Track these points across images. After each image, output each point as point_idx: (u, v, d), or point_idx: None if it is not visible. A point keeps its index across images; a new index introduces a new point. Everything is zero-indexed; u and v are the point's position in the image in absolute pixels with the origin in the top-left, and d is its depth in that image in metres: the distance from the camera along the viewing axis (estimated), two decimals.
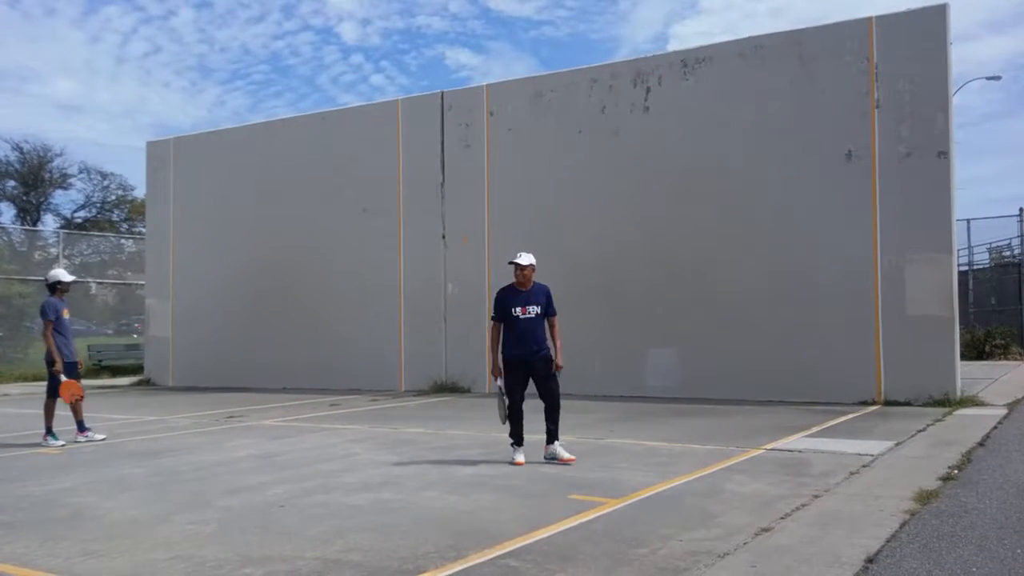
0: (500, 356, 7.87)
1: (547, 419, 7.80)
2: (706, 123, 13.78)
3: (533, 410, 7.86)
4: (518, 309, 7.76)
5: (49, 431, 9.85)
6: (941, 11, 12.08)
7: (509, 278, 8.03)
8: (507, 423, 7.86)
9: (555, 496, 6.38)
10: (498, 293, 7.99)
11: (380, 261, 16.80)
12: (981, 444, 8.36)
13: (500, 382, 7.85)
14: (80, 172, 44.68)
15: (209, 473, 7.72)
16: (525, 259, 7.86)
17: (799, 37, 13.15)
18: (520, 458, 7.63)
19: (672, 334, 13.89)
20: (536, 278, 8.00)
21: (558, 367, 7.83)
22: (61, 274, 10.30)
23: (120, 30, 74.58)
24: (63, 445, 9.65)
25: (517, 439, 7.78)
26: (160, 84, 77.84)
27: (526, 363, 7.72)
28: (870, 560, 4.56)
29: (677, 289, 13.90)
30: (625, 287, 14.31)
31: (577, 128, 14.90)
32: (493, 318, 7.98)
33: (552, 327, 7.96)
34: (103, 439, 10.04)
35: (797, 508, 5.80)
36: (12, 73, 65.84)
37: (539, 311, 7.81)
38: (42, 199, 44.16)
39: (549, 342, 7.90)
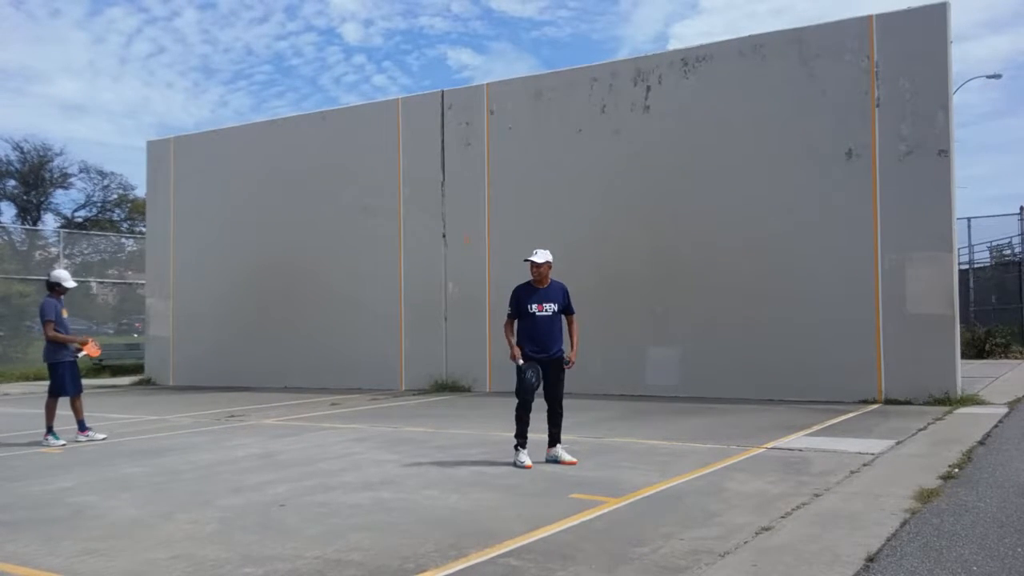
0: (515, 341, 7.76)
1: (550, 423, 7.78)
2: (706, 122, 13.78)
3: (534, 410, 7.84)
4: (534, 306, 7.68)
5: (50, 430, 9.86)
6: (941, 10, 12.07)
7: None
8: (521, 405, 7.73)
9: (556, 495, 6.38)
10: (515, 290, 7.88)
11: (380, 260, 16.80)
12: (982, 443, 8.36)
13: (520, 361, 7.63)
14: (80, 171, 44.73)
15: (209, 472, 7.72)
16: (541, 256, 7.78)
17: (799, 36, 13.14)
18: (528, 461, 7.56)
19: (672, 333, 13.89)
20: None
21: (571, 362, 7.77)
22: (63, 277, 10.30)
23: (124, 31, 74.62)
24: (64, 444, 9.65)
25: (523, 440, 7.72)
26: (163, 84, 77.86)
27: (540, 363, 7.67)
28: (871, 559, 4.56)
29: (677, 288, 13.89)
30: (625, 286, 14.31)
31: (577, 127, 14.90)
32: (508, 315, 7.87)
33: (570, 325, 7.95)
34: (104, 438, 10.04)
35: (798, 507, 5.80)
36: (16, 73, 65.89)
37: (556, 309, 7.75)
38: (42, 198, 44.15)
39: (565, 342, 7.87)
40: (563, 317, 7.90)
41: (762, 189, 13.24)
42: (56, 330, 9.95)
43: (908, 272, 12.14)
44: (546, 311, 7.71)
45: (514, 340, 7.77)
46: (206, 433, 10.61)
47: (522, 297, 7.78)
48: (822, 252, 12.75)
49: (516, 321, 7.83)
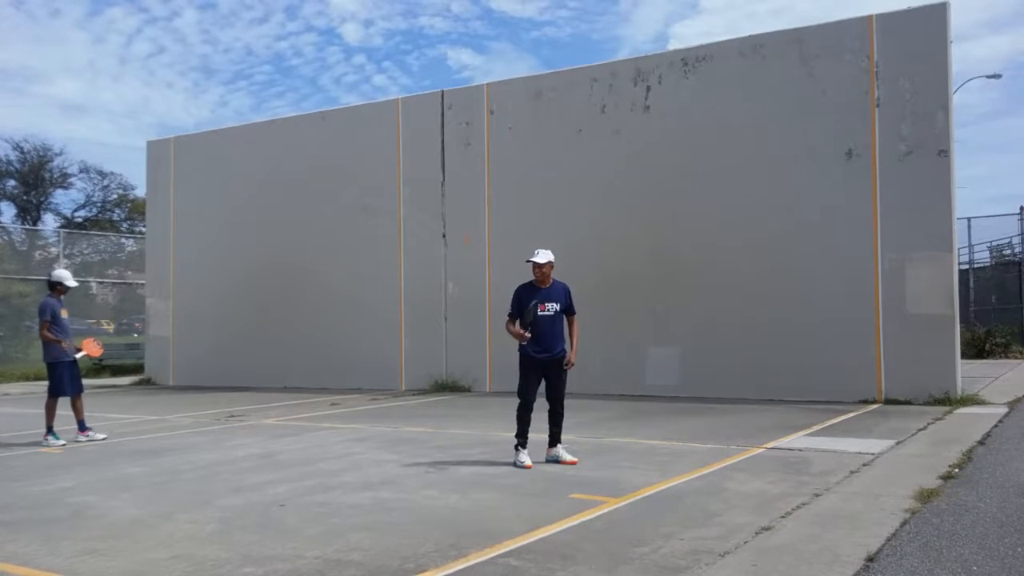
0: (518, 353, 7.75)
1: (551, 423, 7.78)
2: (706, 122, 13.77)
3: (535, 410, 7.83)
4: (537, 306, 7.71)
5: (50, 430, 9.86)
6: (941, 9, 12.08)
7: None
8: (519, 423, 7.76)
9: (556, 495, 6.38)
10: (517, 290, 7.87)
11: (380, 260, 16.80)
12: (981, 443, 8.36)
13: (528, 336, 7.60)
14: (80, 171, 44.74)
15: (209, 472, 7.72)
16: (542, 256, 7.78)
17: (799, 36, 13.14)
18: (528, 461, 7.56)
19: (672, 333, 13.89)
20: None
21: (570, 363, 7.79)
22: (64, 276, 10.29)
23: (124, 31, 74.67)
24: (64, 444, 9.65)
25: (523, 440, 7.72)
26: (163, 84, 77.90)
27: (542, 362, 7.68)
28: (871, 559, 4.56)
29: (677, 288, 13.89)
30: (625, 286, 14.30)
31: (577, 127, 14.90)
32: (509, 315, 7.85)
33: (571, 325, 7.93)
34: (104, 438, 10.04)
35: (798, 507, 5.80)
36: (16, 73, 65.94)
37: (558, 308, 7.75)
38: (42, 198, 44.15)
39: (566, 342, 7.87)
40: (564, 317, 7.90)
41: (762, 189, 13.24)
42: (51, 330, 9.95)
43: (908, 272, 12.14)
44: (548, 311, 7.70)
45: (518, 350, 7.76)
46: (206, 433, 10.61)
47: (524, 297, 7.77)
48: (822, 252, 12.75)
49: (517, 321, 7.81)
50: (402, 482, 7.01)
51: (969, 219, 24.40)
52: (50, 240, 30.36)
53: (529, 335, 7.60)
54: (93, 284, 27.57)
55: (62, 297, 10.19)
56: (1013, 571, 4.36)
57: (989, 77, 29.71)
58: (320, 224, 17.57)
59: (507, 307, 7.93)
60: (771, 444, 8.55)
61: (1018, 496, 5.99)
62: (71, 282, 10.30)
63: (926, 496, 5.96)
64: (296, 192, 17.94)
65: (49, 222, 43.78)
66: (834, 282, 12.61)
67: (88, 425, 10.11)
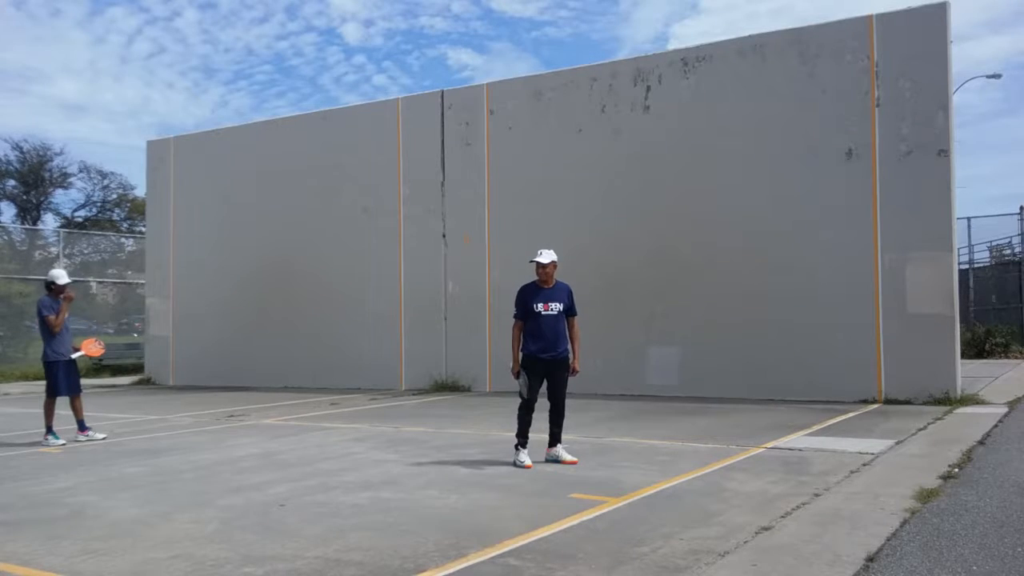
0: (520, 354, 7.72)
1: (551, 422, 7.78)
2: (706, 122, 13.78)
3: (536, 410, 7.83)
4: (540, 306, 7.68)
5: (49, 430, 9.86)
6: (941, 9, 12.08)
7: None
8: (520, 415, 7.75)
9: (556, 495, 6.38)
10: (520, 290, 7.88)
11: (380, 260, 16.80)
12: (981, 442, 8.36)
13: (521, 379, 7.70)
14: (80, 171, 44.77)
15: (210, 472, 7.72)
16: (546, 256, 7.80)
17: (799, 36, 13.15)
18: (528, 460, 7.56)
19: (672, 333, 13.89)
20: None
21: (575, 371, 7.80)
22: (56, 275, 10.29)
23: (125, 31, 74.68)
24: (63, 444, 9.65)
25: (523, 439, 7.71)
26: (164, 84, 77.88)
27: (545, 362, 7.67)
28: (871, 559, 4.57)
29: (677, 288, 13.89)
30: (625, 286, 14.31)
31: (577, 127, 14.90)
32: (516, 316, 7.82)
33: (571, 327, 7.91)
34: (104, 438, 10.04)
35: (798, 507, 5.80)
36: (17, 73, 65.94)
37: (561, 308, 7.76)
38: (42, 198, 44.17)
39: (569, 343, 7.86)
40: (566, 318, 7.90)
41: (762, 189, 13.24)
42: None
43: (908, 272, 12.15)
44: (552, 310, 7.70)
45: (519, 350, 7.75)
46: (206, 433, 10.61)
47: (528, 297, 7.78)
48: (822, 252, 12.75)
49: (523, 326, 7.78)
50: (402, 482, 7.01)
51: (969, 219, 24.38)
52: (50, 240, 30.34)
53: (517, 371, 7.67)
54: (93, 284, 27.55)
55: (61, 297, 10.19)
56: (1013, 571, 4.36)
57: (989, 77, 29.73)
58: (320, 224, 17.57)
59: (508, 307, 7.93)
60: (771, 444, 8.55)
61: (1018, 496, 5.99)
62: (63, 280, 10.27)
63: (926, 496, 5.96)
64: (296, 192, 17.94)
65: (49, 222, 43.85)
66: (834, 282, 12.62)
67: (88, 425, 10.11)
